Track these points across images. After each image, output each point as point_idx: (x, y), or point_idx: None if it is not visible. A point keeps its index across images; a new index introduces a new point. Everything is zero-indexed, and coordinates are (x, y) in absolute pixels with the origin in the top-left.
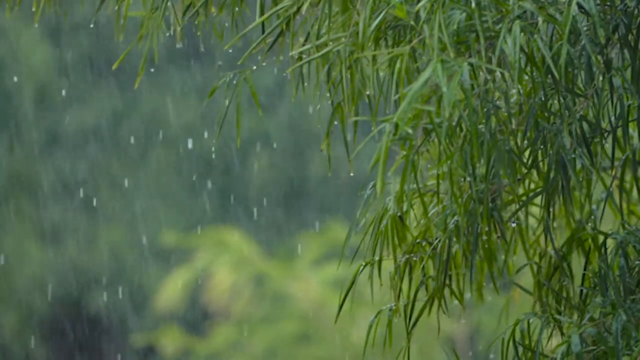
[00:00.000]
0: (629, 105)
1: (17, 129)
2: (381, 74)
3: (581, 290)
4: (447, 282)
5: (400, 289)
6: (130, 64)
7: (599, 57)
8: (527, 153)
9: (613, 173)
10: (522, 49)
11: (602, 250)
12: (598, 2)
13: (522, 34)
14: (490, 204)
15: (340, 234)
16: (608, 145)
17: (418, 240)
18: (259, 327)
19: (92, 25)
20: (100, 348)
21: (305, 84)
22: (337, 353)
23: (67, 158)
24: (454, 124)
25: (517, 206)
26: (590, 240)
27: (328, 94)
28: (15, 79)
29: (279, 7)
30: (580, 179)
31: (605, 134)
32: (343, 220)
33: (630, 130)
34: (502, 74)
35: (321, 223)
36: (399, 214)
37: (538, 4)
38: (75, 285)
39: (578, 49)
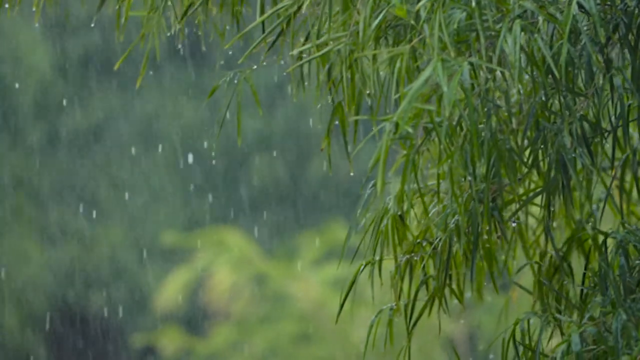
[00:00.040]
0: (629, 105)
1: (16, 129)
2: (381, 73)
3: (581, 290)
4: (448, 281)
5: (401, 289)
6: (130, 63)
7: (599, 57)
8: (527, 152)
9: (613, 173)
10: (522, 48)
11: (603, 249)
12: (598, 1)
13: (522, 33)
14: (490, 204)
15: (340, 234)
16: (608, 146)
17: (418, 240)
18: (259, 327)
19: (92, 25)
20: (100, 348)
21: (306, 83)
22: (337, 353)
23: (67, 158)
24: (454, 123)
25: (518, 206)
26: (590, 240)
27: (329, 94)
28: (15, 78)
29: (279, 6)
30: (581, 179)
31: (606, 134)
32: (343, 220)
33: (630, 130)
34: (502, 73)
35: (321, 223)
36: (399, 213)
37: (538, 3)
38: (75, 285)
39: (578, 49)
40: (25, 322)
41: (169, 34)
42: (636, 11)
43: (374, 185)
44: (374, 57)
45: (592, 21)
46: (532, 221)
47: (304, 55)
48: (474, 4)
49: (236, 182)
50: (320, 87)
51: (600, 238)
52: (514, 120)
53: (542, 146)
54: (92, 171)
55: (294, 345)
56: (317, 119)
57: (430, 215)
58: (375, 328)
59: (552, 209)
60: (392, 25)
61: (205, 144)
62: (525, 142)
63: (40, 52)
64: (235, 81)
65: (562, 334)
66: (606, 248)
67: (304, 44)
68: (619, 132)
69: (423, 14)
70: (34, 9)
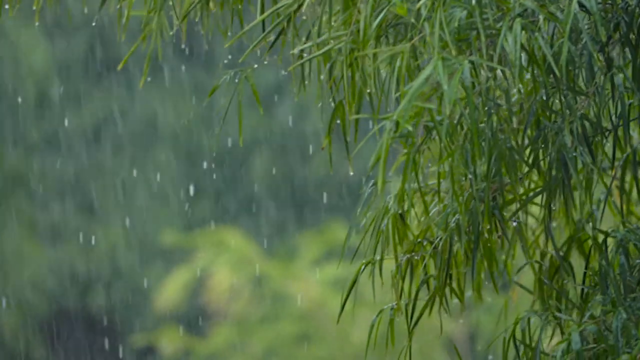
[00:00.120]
0: (629, 104)
1: (16, 128)
2: (382, 71)
3: (582, 289)
4: (448, 281)
5: (402, 288)
6: (129, 62)
7: (600, 56)
8: (527, 151)
9: (613, 173)
10: (523, 47)
11: (603, 248)
12: (599, 0)
13: (523, 32)
14: (491, 203)
15: (340, 234)
16: (609, 145)
17: (419, 240)
18: (259, 327)
19: (94, 24)
20: (100, 348)
21: (306, 82)
22: (337, 353)
23: (66, 157)
24: (455, 122)
25: (518, 205)
26: (590, 240)
27: (330, 93)
28: (15, 78)
29: (279, 5)
30: (581, 178)
31: (606, 133)
32: (343, 220)
33: (631, 130)
34: (503, 72)
35: (321, 223)
36: (399, 212)
37: (539, 2)
38: (75, 285)
39: (579, 48)
40: (25, 322)
41: (171, 33)
42: (637, 10)
43: (374, 184)
44: (375, 55)
45: (593, 20)
46: (531, 221)
47: (305, 55)
48: (474, 2)
49: (236, 182)
50: (321, 86)
51: (601, 237)
52: (514, 120)
53: (542, 145)
54: (92, 171)
55: (293, 345)
56: (318, 119)
57: (430, 214)
58: (376, 328)
59: (554, 207)
60: (393, 24)
61: (206, 144)
62: (526, 141)
63: (40, 52)
64: (236, 80)
65: (562, 333)
66: (606, 247)
67: (304, 43)
68: (620, 132)
69: (424, 13)
70: (34, 8)
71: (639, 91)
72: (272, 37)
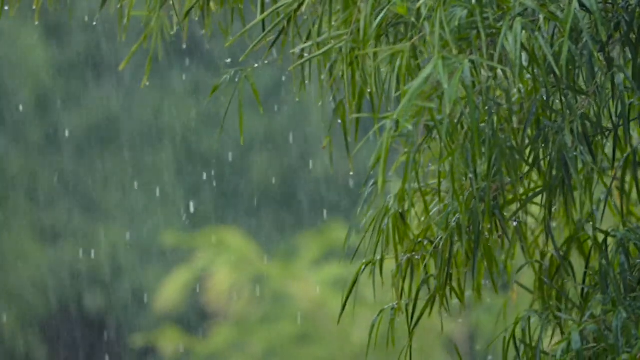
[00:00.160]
0: (630, 104)
1: (15, 128)
2: (382, 70)
3: (582, 289)
4: (449, 281)
5: (402, 288)
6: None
7: (600, 55)
8: (528, 151)
9: (613, 173)
10: (523, 46)
11: (603, 247)
12: None
13: (523, 31)
14: (492, 202)
15: (340, 234)
16: (609, 145)
17: (420, 239)
18: (259, 327)
19: (94, 23)
20: (100, 348)
21: (307, 81)
22: (336, 353)
23: (66, 157)
24: (455, 121)
25: (518, 205)
26: (590, 240)
27: (330, 92)
28: (15, 78)
29: (279, 4)
30: (581, 178)
31: (607, 133)
32: (343, 220)
33: (631, 129)
34: (503, 71)
35: (321, 223)
36: (400, 210)
37: (539, 1)
38: (75, 285)
39: (579, 47)
40: (25, 322)
41: (172, 33)
42: (637, 9)
43: (375, 183)
44: (375, 54)
45: (594, 19)
46: (531, 221)
47: (305, 54)
48: (474, 1)
49: (236, 182)
50: (322, 85)
51: (601, 237)
52: (514, 119)
53: (543, 145)
54: (92, 171)
55: (293, 345)
56: (318, 118)
57: (431, 214)
58: (377, 328)
59: (555, 207)
60: (393, 23)
61: (206, 144)
62: (526, 140)
63: (40, 52)
64: (237, 80)
65: (563, 332)
66: (607, 246)
67: (305, 42)
68: (620, 131)
69: (424, 12)
70: (34, 7)
71: (639, 90)
72: (272, 37)
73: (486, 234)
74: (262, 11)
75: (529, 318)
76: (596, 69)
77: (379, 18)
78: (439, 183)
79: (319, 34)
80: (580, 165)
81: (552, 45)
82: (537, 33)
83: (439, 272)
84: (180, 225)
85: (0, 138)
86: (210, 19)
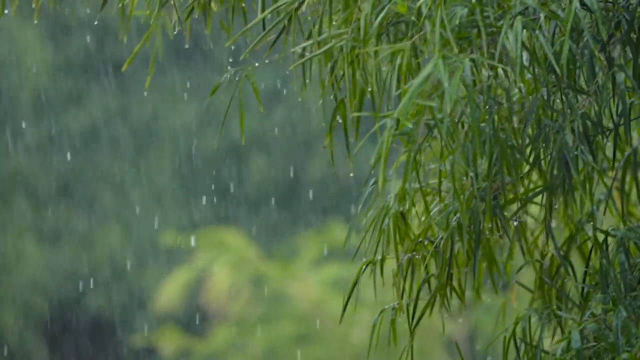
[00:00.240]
0: (630, 103)
1: (15, 128)
2: (383, 69)
3: (582, 288)
4: (449, 280)
5: (403, 288)
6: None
7: (601, 54)
8: (528, 150)
9: (613, 174)
10: (524, 45)
11: (604, 247)
12: None
13: (524, 30)
14: (492, 202)
15: (340, 234)
16: (609, 145)
17: (420, 239)
18: (258, 327)
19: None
20: (100, 348)
21: (307, 81)
22: (336, 353)
23: (65, 158)
24: (455, 120)
25: (519, 204)
26: (590, 240)
27: (331, 91)
28: (14, 78)
29: (280, 3)
30: (582, 178)
31: (607, 132)
32: (343, 220)
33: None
34: (504, 70)
35: (321, 223)
36: (400, 210)
37: (540, 0)
38: (75, 285)
39: (580, 46)
40: (24, 322)
41: (174, 32)
42: (638, 8)
43: (375, 183)
44: (376, 53)
45: (594, 18)
46: (530, 221)
47: (306, 54)
48: (475, 0)
49: (236, 182)
50: (323, 84)
51: (601, 236)
52: (515, 118)
53: (543, 144)
54: (92, 171)
55: (293, 345)
56: (318, 118)
57: (431, 213)
58: (378, 328)
59: (556, 206)
60: (394, 22)
61: (205, 144)
62: (527, 140)
63: (40, 52)
64: (237, 79)
65: (563, 331)
66: (607, 246)
67: (305, 41)
68: (621, 131)
69: (424, 11)
70: (33, 6)
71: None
72: (273, 36)
73: (487, 233)
74: (263, 10)
75: (529, 317)
76: (597, 69)
77: (379, 17)
78: (440, 182)
79: (320, 33)
80: (580, 165)
81: (552, 45)
82: (537, 32)
83: (440, 272)
84: (180, 225)
85: (0, 138)
86: (211, 18)
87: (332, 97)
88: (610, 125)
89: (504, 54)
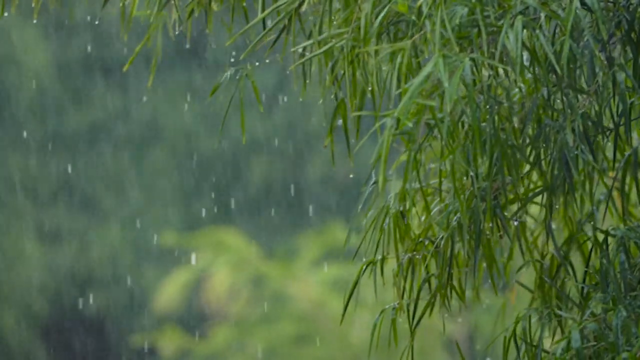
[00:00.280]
0: (631, 103)
1: (15, 128)
2: (383, 68)
3: (582, 287)
4: (450, 280)
5: (404, 288)
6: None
7: (602, 54)
8: (529, 150)
9: (614, 174)
10: (524, 44)
11: (604, 246)
12: None
13: (524, 29)
14: (492, 201)
15: (340, 234)
16: (610, 145)
17: (420, 239)
18: (258, 327)
19: (96, 22)
20: (100, 348)
21: (307, 80)
22: (336, 353)
23: (66, 158)
24: (456, 119)
25: (519, 204)
26: (590, 240)
27: (331, 90)
28: (14, 78)
29: (280, 3)
30: (582, 178)
31: (607, 132)
32: (343, 221)
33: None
34: (504, 70)
35: (321, 223)
36: (400, 208)
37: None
38: (75, 285)
39: (581, 46)
40: (24, 322)
41: (177, 32)
42: (639, 8)
43: (375, 183)
44: (376, 52)
45: (595, 18)
46: (530, 221)
47: (306, 53)
48: None
49: (235, 182)
50: (323, 84)
51: (601, 236)
52: (515, 118)
53: (544, 144)
54: (91, 171)
55: (293, 345)
56: (318, 118)
57: (432, 213)
58: (378, 327)
59: (556, 206)
60: (394, 22)
61: (206, 144)
62: (527, 139)
63: (40, 52)
64: (237, 78)
65: (563, 331)
66: (607, 246)
67: (306, 41)
68: (621, 130)
69: (425, 10)
70: (33, 5)
71: None
72: (273, 36)
73: (487, 233)
74: (263, 10)
75: (529, 317)
76: (597, 68)
77: (380, 16)
78: (440, 182)
79: (320, 33)
80: (581, 165)
81: (553, 44)
82: (538, 31)
83: (440, 272)
84: (180, 225)
85: (0, 138)
86: (212, 18)
87: (332, 96)
88: (611, 125)
89: (505, 54)
